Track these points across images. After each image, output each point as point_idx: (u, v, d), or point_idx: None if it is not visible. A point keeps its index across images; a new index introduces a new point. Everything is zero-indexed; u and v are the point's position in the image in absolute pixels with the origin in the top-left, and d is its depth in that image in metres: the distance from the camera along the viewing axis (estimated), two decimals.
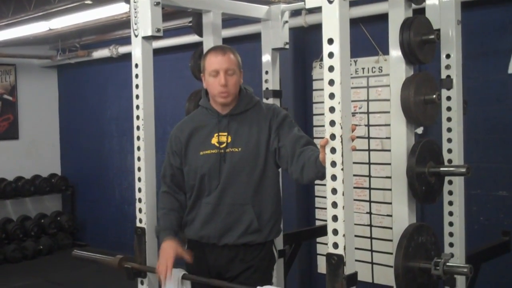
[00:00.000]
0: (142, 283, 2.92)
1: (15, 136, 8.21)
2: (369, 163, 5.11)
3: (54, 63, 8.34)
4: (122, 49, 7.22)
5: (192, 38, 5.77)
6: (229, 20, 4.46)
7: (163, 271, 2.65)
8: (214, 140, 2.76)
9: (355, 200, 4.89)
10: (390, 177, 2.57)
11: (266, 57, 3.62)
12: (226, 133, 2.76)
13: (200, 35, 3.42)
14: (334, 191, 2.10)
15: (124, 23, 6.08)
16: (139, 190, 2.93)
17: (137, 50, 2.92)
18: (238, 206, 2.72)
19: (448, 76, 2.88)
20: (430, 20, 2.58)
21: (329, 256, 2.11)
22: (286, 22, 3.62)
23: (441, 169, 2.53)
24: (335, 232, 2.10)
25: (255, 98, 2.86)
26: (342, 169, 2.08)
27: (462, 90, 2.92)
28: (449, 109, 2.89)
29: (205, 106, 2.86)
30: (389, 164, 2.56)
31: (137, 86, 2.93)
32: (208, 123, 2.81)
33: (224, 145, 2.74)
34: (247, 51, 4.50)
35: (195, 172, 2.78)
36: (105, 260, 3.00)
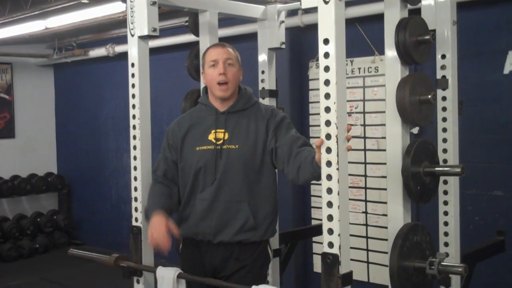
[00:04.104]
0: (138, 281, 2.92)
1: (11, 135, 8.20)
2: (365, 163, 5.12)
3: (50, 62, 8.34)
4: (119, 48, 7.22)
5: (189, 37, 5.78)
6: (226, 20, 4.47)
7: (162, 239, 2.60)
8: (211, 137, 2.77)
9: (350, 199, 4.93)
10: (385, 177, 2.58)
11: (262, 57, 3.63)
12: (223, 130, 2.77)
13: (197, 34, 3.42)
14: (329, 190, 2.11)
15: (120, 22, 6.08)
16: (135, 189, 2.93)
17: (133, 50, 2.92)
18: (234, 203, 2.72)
19: (444, 77, 2.89)
20: (425, 21, 2.58)
21: (324, 255, 2.12)
22: (283, 22, 3.62)
23: (436, 169, 2.54)
24: (330, 231, 2.11)
25: (254, 98, 2.88)
26: (338, 169, 2.09)
27: (458, 90, 2.93)
28: (444, 109, 2.90)
29: (204, 103, 2.87)
30: (385, 163, 2.57)
31: (133, 85, 2.93)
32: (206, 120, 2.82)
33: (221, 141, 2.75)
34: (244, 50, 4.47)
35: (190, 167, 2.78)
36: (101, 258, 3.00)
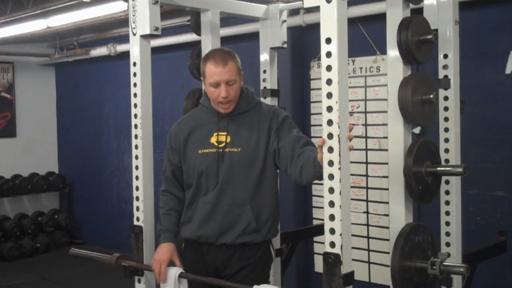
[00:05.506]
0: (139, 281, 2.92)
1: (13, 134, 8.20)
2: (367, 163, 5.12)
3: (52, 61, 8.34)
4: (120, 48, 7.21)
5: (190, 36, 5.77)
6: (228, 19, 4.47)
7: (158, 273, 2.75)
8: (213, 140, 2.76)
9: (352, 199, 4.92)
10: (387, 177, 2.58)
11: (264, 56, 3.62)
12: (225, 133, 2.75)
13: (198, 34, 3.42)
14: (331, 190, 2.10)
15: (122, 21, 6.08)
16: (137, 188, 2.93)
17: (135, 49, 2.92)
18: (237, 206, 2.72)
19: (446, 76, 2.89)
20: (427, 20, 2.58)
21: (326, 255, 2.12)
22: (284, 21, 3.62)
23: (438, 169, 2.54)
24: (332, 231, 2.11)
25: (256, 99, 2.86)
26: (339, 169, 2.09)
27: (460, 90, 2.92)
28: (446, 109, 2.89)
29: (205, 105, 2.85)
30: (387, 163, 2.57)
31: (135, 85, 2.93)
32: (208, 122, 2.81)
33: (223, 144, 2.74)
34: (245, 50, 4.50)
35: (193, 170, 2.78)
36: (102, 258, 3.00)
